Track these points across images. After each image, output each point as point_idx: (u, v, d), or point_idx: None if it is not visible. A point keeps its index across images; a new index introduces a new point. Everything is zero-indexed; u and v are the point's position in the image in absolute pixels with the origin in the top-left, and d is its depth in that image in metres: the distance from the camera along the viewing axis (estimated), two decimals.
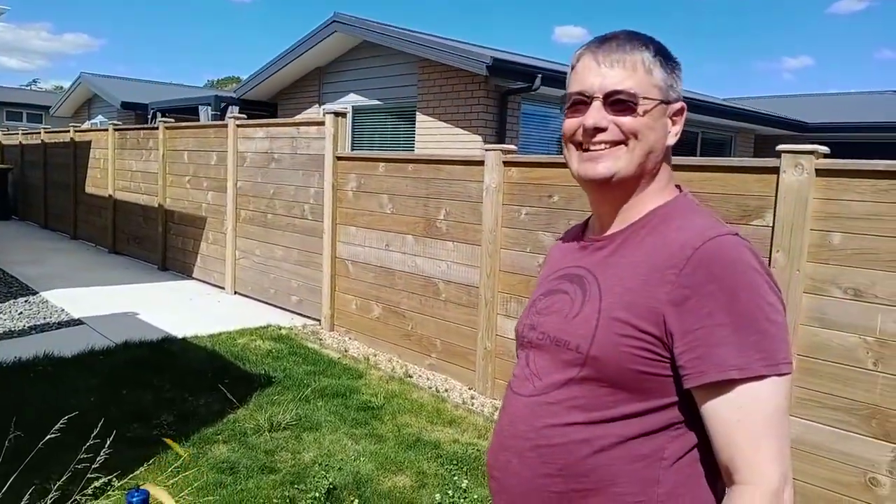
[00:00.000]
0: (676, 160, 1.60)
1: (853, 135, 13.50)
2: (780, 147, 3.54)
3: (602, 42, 1.19)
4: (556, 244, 1.39)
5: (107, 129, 11.12)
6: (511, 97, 9.31)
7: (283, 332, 6.54)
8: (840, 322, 3.27)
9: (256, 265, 7.79)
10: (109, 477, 2.97)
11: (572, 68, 1.22)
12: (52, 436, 2.93)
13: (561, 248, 1.34)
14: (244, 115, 8.22)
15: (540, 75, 8.79)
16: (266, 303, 7.60)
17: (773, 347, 1.04)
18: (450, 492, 3.56)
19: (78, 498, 2.88)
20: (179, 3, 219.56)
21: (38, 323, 6.50)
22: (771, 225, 3.54)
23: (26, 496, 2.74)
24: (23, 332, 6.19)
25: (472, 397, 5.14)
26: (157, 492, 1.38)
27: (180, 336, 6.17)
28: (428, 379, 5.50)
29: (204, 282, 8.66)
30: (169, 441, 1.41)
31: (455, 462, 3.94)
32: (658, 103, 1.15)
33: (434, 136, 9.86)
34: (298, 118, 10.20)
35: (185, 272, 9.07)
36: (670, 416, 1.09)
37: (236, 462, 3.83)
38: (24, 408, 4.13)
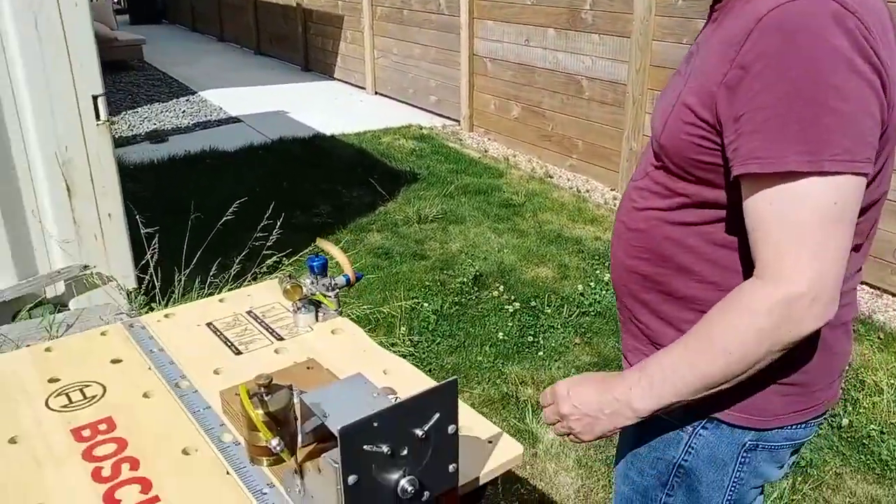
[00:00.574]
0: None
1: None
2: None
3: None
4: None
5: None
6: None
7: (424, 131, 6.65)
8: None
9: (395, 64, 7.77)
10: (280, 255, 3.30)
11: None
12: (228, 218, 3.25)
13: None
14: None
15: None
16: (405, 103, 7.67)
17: (822, 139, 0.85)
18: (591, 283, 3.68)
19: (256, 271, 3.24)
20: None
21: (201, 120, 6.97)
22: None
23: (213, 269, 3.11)
24: (188, 129, 6.68)
25: (615, 198, 5.11)
26: (328, 247, 1.51)
27: (328, 134, 6.43)
28: (568, 180, 5.49)
29: (345, 82, 8.81)
30: (321, 241, 1.50)
31: (596, 257, 4.02)
32: None
33: None
34: None
35: (327, 72, 9.23)
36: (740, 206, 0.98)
37: (390, 248, 4.12)
38: (199, 194, 4.56)
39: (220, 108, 7.41)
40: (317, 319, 1.45)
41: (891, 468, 2.48)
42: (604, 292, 3.56)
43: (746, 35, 0.90)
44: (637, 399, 1.01)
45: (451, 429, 0.90)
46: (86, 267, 2.92)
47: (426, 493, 0.91)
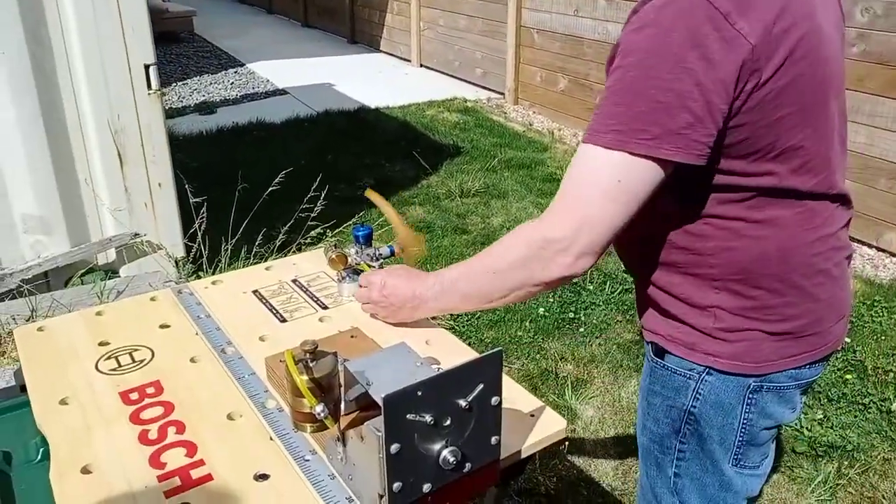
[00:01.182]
0: None
1: None
2: None
3: None
4: None
5: None
6: None
7: (469, 104, 6.59)
8: None
9: (440, 36, 7.70)
10: (324, 227, 3.33)
11: None
12: (273, 189, 3.28)
13: None
14: None
15: None
16: (450, 75, 7.61)
17: (632, 123, 0.95)
18: None
19: (300, 241, 3.27)
20: None
21: (248, 92, 7.03)
22: None
23: (258, 239, 3.15)
24: (236, 101, 6.75)
25: None
26: (376, 199, 1.50)
27: (373, 106, 6.42)
28: None
29: (390, 54, 8.77)
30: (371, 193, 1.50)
31: None
32: None
33: None
34: None
35: (373, 45, 9.21)
36: None
37: (432, 222, 4.11)
38: (246, 165, 4.61)
39: (268, 81, 7.46)
40: None
41: None
42: None
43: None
44: (431, 300, 1.20)
45: (494, 400, 0.90)
46: (136, 235, 2.99)
47: (468, 465, 0.90)
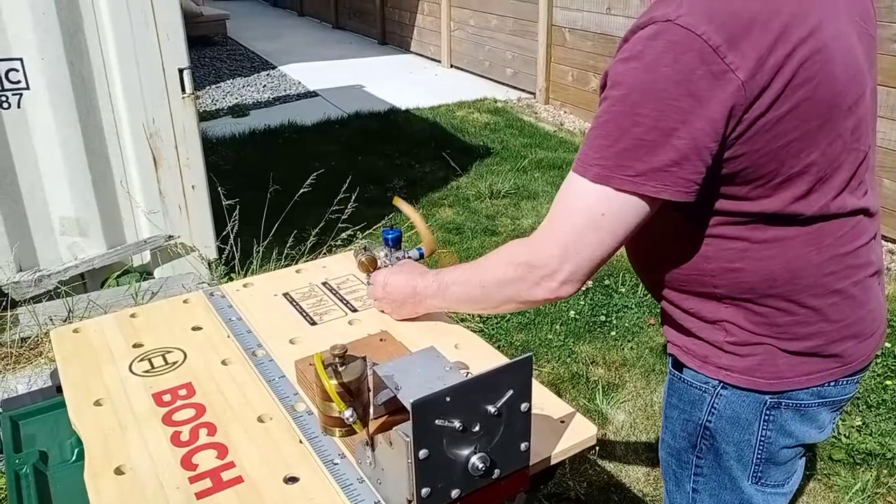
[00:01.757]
0: None
1: None
2: None
3: None
4: None
5: None
6: None
7: (499, 105, 6.57)
8: None
9: (471, 37, 7.70)
10: (355, 229, 3.34)
11: None
12: (304, 191, 3.31)
13: None
14: None
15: None
16: (481, 76, 7.60)
17: (618, 160, 0.94)
18: None
19: (332, 243, 3.29)
20: None
21: (280, 94, 7.10)
22: None
23: (289, 241, 3.18)
24: (269, 103, 6.82)
25: None
26: (403, 206, 1.50)
27: (403, 108, 6.44)
28: None
29: (420, 55, 8.79)
30: (398, 201, 1.50)
31: None
32: None
33: None
34: None
35: (403, 46, 9.24)
36: None
37: (461, 224, 4.11)
38: (278, 167, 4.66)
39: (299, 83, 7.52)
40: None
41: None
42: None
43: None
44: (429, 297, 1.25)
45: (524, 406, 0.89)
46: (170, 237, 3.03)
47: (497, 471, 0.89)
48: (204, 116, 6.22)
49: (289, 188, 3.48)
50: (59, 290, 2.79)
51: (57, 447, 1.15)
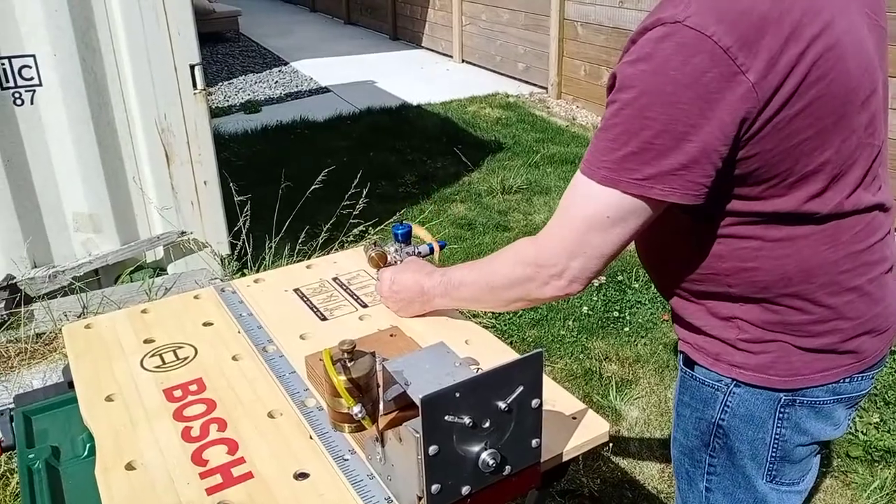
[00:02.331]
0: None
1: None
2: None
3: None
4: None
5: None
6: None
7: (511, 99, 6.55)
8: None
9: (482, 31, 7.67)
10: (366, 224, 3.34)
11: None
12: (316, 187, 3.31)
13: None
14: None
15: None
16: (492, 70, 7.57)
17: (594, 149, 0.97)
18: None
19: (343, 239, 3.29)
20: None
21: (292, 91, 7.11)
22: None
23: (301, 237, 3.18)
24: (280, 99, 6.83)
25: None
26: (415, 226, 1.50)
27: (414, 103, 6.43)
28: None
29: (432, 50, 8.77)
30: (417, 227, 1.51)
31: None
32: None
33: None
34: None
35: (414, 41, 9.22)
36: None
37: (473, 219, 4.10)
38: (289, 163, 4.67)
39: (311, 79, 7.53)
40: None
41: None
42: None
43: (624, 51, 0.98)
44: (436, 297, 1.25)
45: (534, 403, 0.88)
46: (183, 233, 3.04)
47: (508, 468, 0.89)
48: (216, 113, 6.24)
49: (301, 184, 3.48)
50: (73, 286, 2.81)
51: (69, 442, 1.15)
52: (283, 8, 13.32)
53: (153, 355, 1.24)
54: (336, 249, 3.18)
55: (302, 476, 0.97)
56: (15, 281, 2.76)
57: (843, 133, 0.95)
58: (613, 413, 2.56)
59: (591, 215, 0.98)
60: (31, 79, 2.63)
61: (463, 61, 8.13)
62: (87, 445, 1.12)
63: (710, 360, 1.12)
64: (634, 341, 2.98)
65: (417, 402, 0.79)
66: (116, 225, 2.93)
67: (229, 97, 6.91)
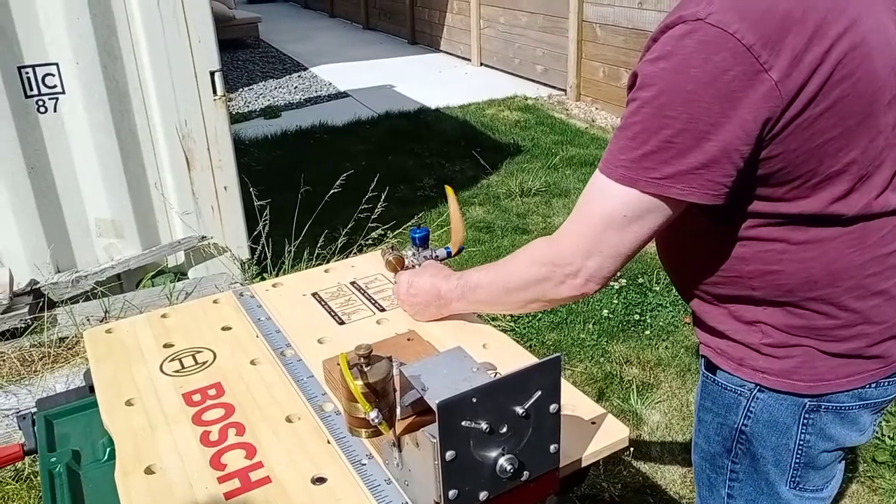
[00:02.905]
0: None
1: None
2: None
3: None
4: None
5: None
6: None
7: (530, 102, 6.53)
8: None
9: (501, 34, 7.66)
10: (384, 228, 3.34)
11: None
12: (334, 191, 3.32)
13: None
14: None
15: None
16: (511, 73, 7.56)
17: (613, 148, 0.97)
18: None
19: (361, 243, 3.29)
20: None
21: (311, 96, 7.15)
22: None
23: (320, 241, 3.19)
24: (300, 104, 6.87)
25: None
26: (452, 199, 1.47)
27: (433, 107, 6.44)
28: None
29: (450, 54, 8.78)
30: (449, 190, 1.49)
31: None
32: None
33: None
34: None
35: (433, 45, 9.24)
36: None
37: (492, 222, 4.08)
38: (309, 168, 4.69)
39: (330, 84, 7.57)
40: None
41: None
42: None
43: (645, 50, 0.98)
44: (453, 300, 1.25)
45: (552, 408, 0.87)
46: (203, 237, 3.07)
47: (526, 473, 0.88)
48: (237, 118, 6.29)
49: (320, 188, 3.50)
50: (95, 291, 2.84)
51: (90, 446, 1.16)
52: (302, 14, 13.40)
53: (172, 360, 1.25)
54: (355, 253, 3.18)
55: (319, 480, 0.97)
56: (38, 286, 2.79)
57: (869, 133, 0.93)
58: (634, 417, 2.54)
59: (608, 214, 0.97)
60: (55, 87, 2.67)
61: (481, 64, 8.13)
62: (108, 449, 1.13)
63: (734, 364, 1.10)
64: (656, 344, 2.95)
65: (434, 408, 0.78)
66: (138, 230, 2.96)
67: (249, 103, 6.96)
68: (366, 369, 0.89)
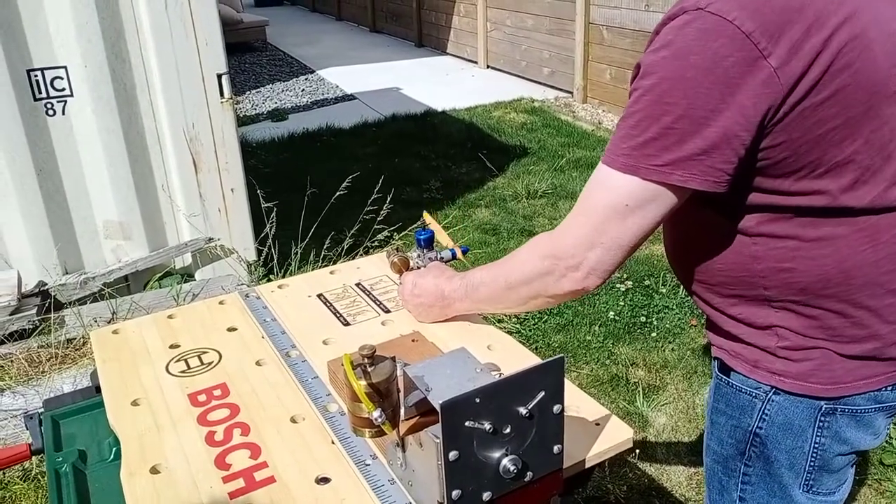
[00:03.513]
0: None
1: None
2: None
3: None
4: None
5: None
6: None
7: (536, 104, 6.53)
8: None
9: (507, 37, 7.67)
10: (391, 230, 3.35)
11: None
12: (341, 193, 3.33)
13: None
14: None
15: None
16: (517, 76, 7.56)
17: (614, 138, 0.97)
18: None
19: (368, 244, 3.30)
20: None
21: (318, 98, 7.17)
22: None
23: (326, 243, 3.20)
24: (307, 107, 6.89)
25: None
26: (434, 226, 1.49)
27: (439, 109, 6.45)
28: None
29: (457, 56, 8.79)
30: (426, 216, 1.51)
31: None
32: None
33: None
34: None
35: (440, 48, 9.25)
36: None
37: (497, 225, 4.09)
38: (315, 170, 4.70)
39: (337, 87, 7.59)
40: None
41: None
42: None
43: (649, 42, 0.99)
44: (457, 301, 1.25)
45: (556, 409, 0.87)
46: (210, 239, 3.08)
47: (529, 474, 0.88)
48: (244, 121, 6.32)
49: (326, 190, 3.51)
50: (103, 293, 2.86)
51: (96, 446, 1.17)
52: (309, 17, 13.45)
53: (178, 360, 1.26)
54: (361, 255, 3.19)
55: (323, 481, 0.97)
56: (47, 287, 2.81)
57: (872, 123, 0.93)
58: (640, 419, 2.53)
59: (609, 203, 0.98)
60: (63, 90, 2.69)
61: (488, 67, 8.14)
62: (114, 449, 1.13)
63: (748, 367, 1.10)
64: (662, 347, 2.94)
65: (437, 408, 0.79)
66: (146, 232, 2.97)
67: (257, 105, 6.99)
68: (369, 369, 0.89)
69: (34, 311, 2.72)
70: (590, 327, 3.07)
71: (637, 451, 2.37)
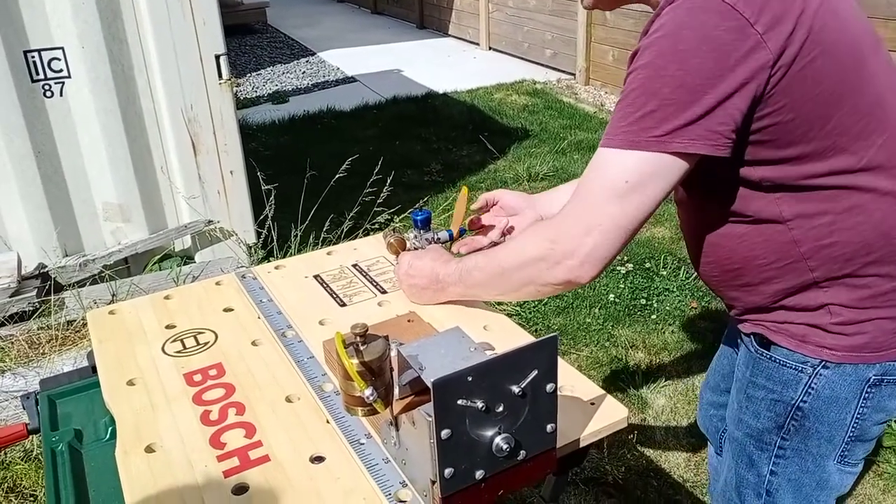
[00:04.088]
0: None
1: None
2: None
3: None
4: None
5: None
6: None
7: (538, 86, 6.49)
8: None
9: (509, 18, 7.61)
10: (391, 212, 3.34)
11: None
12: (341, 176, 3.32)
13: None
14: None
15: None
16: (520, 57, 7.51)
17: (613, 119, 0.99)
18: None
19: (368, 227, 3.29)
20: None
21: (319, 81, 7.13)
22: None
23: (326, 225, 3.19)
24: (308, 90, 6.86)
25: None
26: (461, 204, 1.46)
27: (441, 91, 6.41)
28: None
29: (459, 38, 8.72)
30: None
31: None
32: None
33: None
34: None
35: (441, 29, 9.18)
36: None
37: None
38: (316, 153, 4.68)
39: (338, 69, 7.55)
40: None
41: None
42: None
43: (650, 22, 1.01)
44: (451, 285, 1.24)
45: (549, 387, 0.87)
46: (210, 222, 3.08)
47: (522, 453, 0.88)
48: (245, 103, 6.29)
49: (327, 173, 3.49)
50: (102, 275, 2.86)
51: (92, 426, 1.17)
52: None
53: (174, 340, 1.26)
54: (360, 237, 3.18)
55: (318, 460, 0.97)
56: (46, 269, 2.81)
57: (863, 74, 0.99)
58: (639, 401, 2.54)
59: (609, 183, 0.98)
60: (60, 71, 2.67)
61: (490, 49, 8.08)
62: (109, 428, 1.13)
63: (796, 341, 1.10)
64: (662, 329, 2.94)
65: (429, 386, 0.78)
66: (145, 214, 2.97)
67: (257, 88, 6.95)
68: (361, 348, 0.89)
69: (34, 293, 2.73)
70: (590, 310, 3.07)
71: (636, 432, 2.37)
